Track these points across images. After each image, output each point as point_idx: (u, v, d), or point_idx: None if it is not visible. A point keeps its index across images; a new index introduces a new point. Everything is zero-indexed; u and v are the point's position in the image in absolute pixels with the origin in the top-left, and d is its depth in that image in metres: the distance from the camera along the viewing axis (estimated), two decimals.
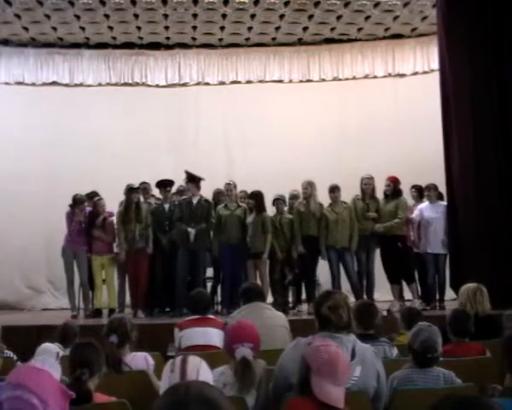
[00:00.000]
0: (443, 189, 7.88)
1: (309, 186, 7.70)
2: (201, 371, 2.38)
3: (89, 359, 2.83)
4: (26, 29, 9.51)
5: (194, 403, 1.28)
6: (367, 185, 7.89)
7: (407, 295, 7.98)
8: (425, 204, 7.90)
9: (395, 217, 7.64)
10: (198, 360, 2.44)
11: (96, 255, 7.86)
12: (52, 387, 2.09)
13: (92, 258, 7.87)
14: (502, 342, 2.97)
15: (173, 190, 8.28)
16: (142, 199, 8.03)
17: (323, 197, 7.90)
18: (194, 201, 7.64)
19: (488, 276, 6.12)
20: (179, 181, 8.16)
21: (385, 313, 6.37)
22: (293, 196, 8.10)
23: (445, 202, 7.84)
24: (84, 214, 7.90)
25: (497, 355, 3.33)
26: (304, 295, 8.00)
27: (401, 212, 7.67)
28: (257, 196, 7.79)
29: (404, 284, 7.86)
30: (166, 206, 8.00)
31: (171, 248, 7.73)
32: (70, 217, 7.87)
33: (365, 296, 7.59)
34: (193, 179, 7.67)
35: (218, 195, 8.21)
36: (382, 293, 8.39)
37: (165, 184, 8.08)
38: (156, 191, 8.35)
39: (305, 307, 7.79)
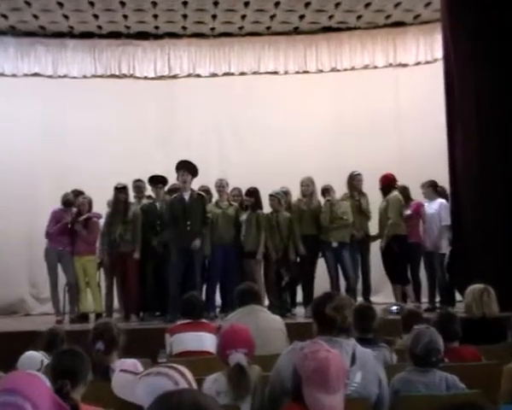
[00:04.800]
0: (446, 184, 7.91)
1: (310, 183, 7.79)
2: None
3: (72, 367, 2.81)
4: (5, 17, 9.43)
5: None
6: (360, 181, 8.07)
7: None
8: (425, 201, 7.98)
9: (386, 217, 7.76)
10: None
11: (76, 256, 7.82)
12: (46, 396, 2.09)
13: (74, 259, 7.83)
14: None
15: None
16: (132, 199, 8.01)
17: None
18: (186, 196, 7.46)
19: (495, 276, 6.13)
20: (170, 178, 8.11)
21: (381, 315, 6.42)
22: (284, 193, 8.10)
23: (442, 199, 7.87)
24: (71, 215, 7.88)
25: (506, 359, 3.34)
26: (299, 298, 8.01)
27: (391, 212, 7.71)
28: (255, 194, 7.85)
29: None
30: (158, 204, 7.94)
31: (163, 250, 7.70)
32: (57, 216, 7.83)
33: (361, 299, 7.64)
34: (192, 170, 7.48)
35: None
36: (385, 295, 8.44)
37: (157, 181, 8.03)
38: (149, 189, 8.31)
39: (299, 309, 7.81)
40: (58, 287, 7.92)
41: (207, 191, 8.12)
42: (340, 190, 8.12)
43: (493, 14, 7.43)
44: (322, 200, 7.96)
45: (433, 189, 7.92)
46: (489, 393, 2.99)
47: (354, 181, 8.09)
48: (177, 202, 7.47)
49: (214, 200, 8.10)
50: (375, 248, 8.16)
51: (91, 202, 7.99)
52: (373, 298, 8.18)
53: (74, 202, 7.96)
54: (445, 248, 7.78)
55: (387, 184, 7.95)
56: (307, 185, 7.82)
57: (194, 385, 2.25)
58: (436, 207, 7.81)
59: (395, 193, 7.85)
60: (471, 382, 3.15)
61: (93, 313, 7.88)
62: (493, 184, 7.32)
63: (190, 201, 7.43)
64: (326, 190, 7.91)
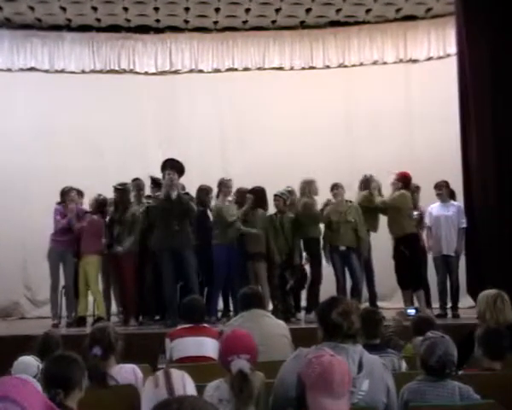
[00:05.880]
0: (460, 185, 7.88)
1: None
2: (187, 384, 2.38)
3: (65, 374, 2.80)
4: None
5: None
6: (377, 183, 8.01)
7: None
8: (435, 204, 7.95)
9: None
10: (181, 372, 2.44)
11: (80, 257, 7.79)
12: (39, 402, 2.08)
13: (79, 260, 7.80)
14: None
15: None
16: (132, 199, 8.01)
17: (327, 196, 7.95)
18: (174, 196, 7.34)
19: (509, 281, 6.10)
20: None
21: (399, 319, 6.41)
22: (289, 193, 8.10)
23: (457, 202, 7.86)
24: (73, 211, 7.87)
25: None
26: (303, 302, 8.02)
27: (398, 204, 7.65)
28: (257, 192, 7.82)
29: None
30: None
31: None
32: (60, 213, 7.81)
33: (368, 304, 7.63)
34: (179, 169, 7.40)
35: (202, 192, 8.09)
36: (395, 300, 8.42)
37: (158, 183, 8.04)
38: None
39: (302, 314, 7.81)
40: (59, 289, 7.93)
41: (208, 190, 8.11)
42: (348, 189, 8.08)
43: (509, 8, 7.39)
44: (330, 196, 7.92)
45: (447, 190, 7.91)
46: (504, 404, 2.97)
47: (373, 183, 8.01)
48: (161, 201, 7.43)
49: (217, 200, 8.09)
50: (384, 252, 8.14)
51: (102, 202, 7.97)
52: (382, 304, 8.16)
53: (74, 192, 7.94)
54: (462, 252, 7.80)
55: (404, 183, 7.86)
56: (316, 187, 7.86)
57: (181, 390, 2.25)
58: (454, 209, 7.81)
59: (402, 191, 7.81)
60: (486, 392, 3.13)
61: (90, 317, 7.87)
62: (509, 185, 7.28)
63: (177, 200, 7.38)
64: (335, 187, 7.85)
